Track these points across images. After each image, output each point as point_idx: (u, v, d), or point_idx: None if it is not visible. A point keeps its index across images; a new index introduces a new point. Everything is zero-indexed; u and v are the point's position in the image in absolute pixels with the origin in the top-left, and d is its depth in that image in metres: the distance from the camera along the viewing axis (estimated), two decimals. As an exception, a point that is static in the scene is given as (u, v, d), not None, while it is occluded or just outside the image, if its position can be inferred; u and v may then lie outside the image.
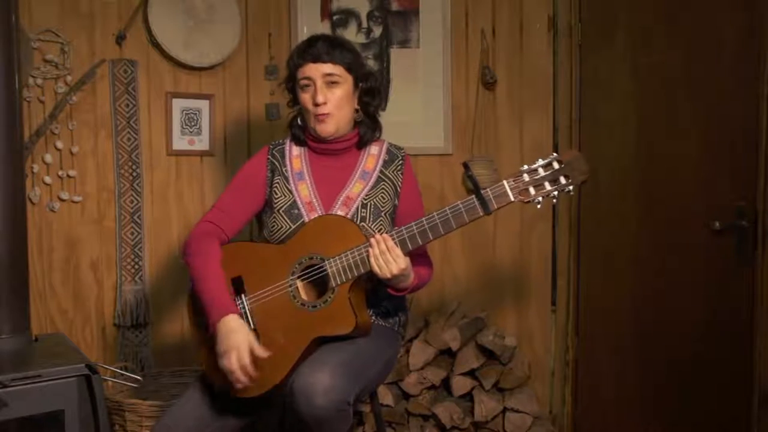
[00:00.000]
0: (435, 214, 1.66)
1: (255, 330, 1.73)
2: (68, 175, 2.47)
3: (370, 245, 1.65)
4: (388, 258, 1.64)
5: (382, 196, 1.85)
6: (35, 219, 2.42)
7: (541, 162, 1.62)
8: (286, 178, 1.87)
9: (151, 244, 2.61)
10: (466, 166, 1.69)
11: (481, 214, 1.63)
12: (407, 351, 2.58)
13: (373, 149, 1.91)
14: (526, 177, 1.62)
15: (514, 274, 2.84)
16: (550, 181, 1.62)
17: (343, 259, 1.68)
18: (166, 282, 2.63)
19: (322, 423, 1.55)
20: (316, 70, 1.80)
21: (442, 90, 2.77)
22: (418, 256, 1.81)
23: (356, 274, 1.67)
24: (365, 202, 1.83)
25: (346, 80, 1.83)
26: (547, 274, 2.84)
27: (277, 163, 1.89)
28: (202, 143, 2.67)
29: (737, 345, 1.90)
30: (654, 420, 2.27)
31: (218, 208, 1.87)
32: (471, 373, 2.57)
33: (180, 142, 2.64)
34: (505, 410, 2.54)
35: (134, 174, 2.57)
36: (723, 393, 1.97)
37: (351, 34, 2.75)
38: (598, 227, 2.63)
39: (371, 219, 1.81)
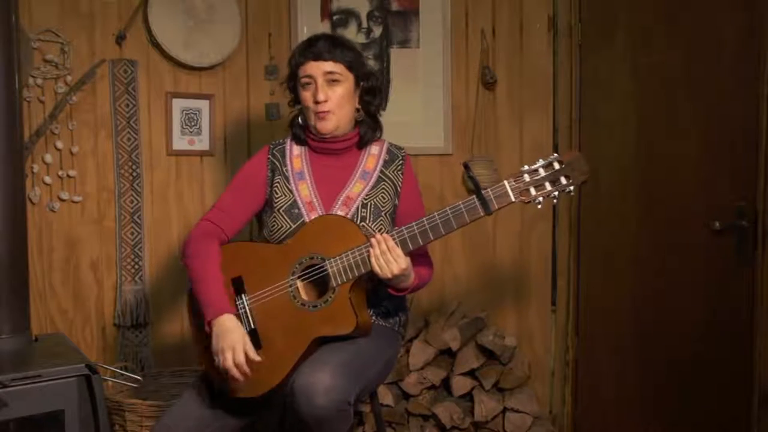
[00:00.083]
0: (436, 214, 1.66)
1: (255, 330, 1.73)
2: (68, 175, 2.47)
3: (371, 245, 1.65)
4: (389, 258, 1.64)
5: (382, 196, 1.85)
6: (35, 219, 2.42)
7: (541, 162, 1.62)
8: (287, 178, 1.87)
9: (151, 244, 2.61)
10: (466, 166, 1.70)
11: (482, 214, 1.63)
12: (407, 351, 2.58)
13: (374, 149, 1.91)
14: (526, 177, 1.62)
15: (514, 274, 2.84)
16: (550, 182, 1.62)
17: (344, 259, 1.68)
18: (166, 282, 2.62)
19: (322, 423, 1.55)
20: (317, 68, 1.81)
21: (442, 90, 2.77)
22: (418, 256, 1.81)
23: (357, 274, 1.67)
24: (365, 202, 1.83)
25: (347, 78, 1.83)
26: (547, 274, 2.84)
27: (277, 163, 1.89)
28: (202, 143, 2.67)
29: (737, 345, 1.90)
30: (654, 420, 2.27)
31: (218, 208, 1.87)
32: (471, 373, 2.57)
33: (180, 142, 2.64)
34: (505, 410, 2.54)
35: (134, 174, 2.57)
36: (723, 393, 1.97)
37: (351, 34, 2.75)
38: (598, 227, 2.63)
39: (371, 219, 1.81)
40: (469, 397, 2.57)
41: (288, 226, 1.80)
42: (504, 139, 2.81)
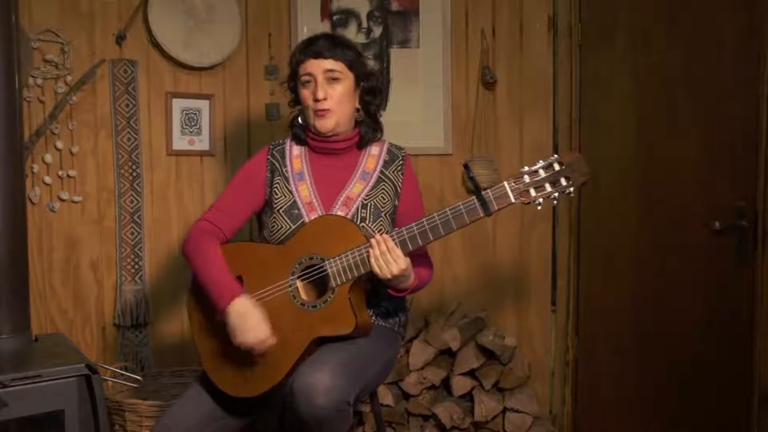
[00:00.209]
0: (435, 214, 1.66)
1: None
2: (68, 175, 2.47)
3: (371, 246, 1.65)
4: (389, 258, 1.64)
5: (382, 197, 1.85)
6: (35, 219, 2.42)
7: (541, 163, 1.62)
8: (286, 179, 1.87)
9: (151, 244, 2.61)
10: (466, 167, 1.70)
11: (482, 215, 1.63)
12: (407, 351, 2.58)
13: (374, 149, 1.91)
14: (526, 178, 1.62)
15: (514, 275, 2.84)
16: (550, 183, 1.61)
17: (344, 259, 1.68)
18: (166, 282, 2.63)
19: (322, 423, 1.55)
20: (317, 66, 1.81)
21: (442, 90, 2.77)
22: (418, 257, 1.81)
23: (356, 275, 1.67)
24: (365, 202, 1.83)
25: (347, 77, 1.83)
26: (547, 274, 2.84)
27: (277, 164, 1.89)
28: (202, 143, 2.67)
29: (737, 345, 1.90)
30: (654, 420, 2.27)
31: (216, 208, 1.87)
32: (471, 373, 2.57)
33: (180, 142, 2.64)
34: (505, 410, 2.54)
35: (134, 174, 2.57)
36: (723, 393, 1.97)
37: (351, 34, 2.75)
38: (598, 227, 2.63)
39: (371, 219, 1.81)
40: (469, 397, 2.57)
41: (288, 227, 1.80)
42: (504, 139, 2.81)
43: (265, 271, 1.75)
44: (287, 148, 1.92)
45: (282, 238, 1.81)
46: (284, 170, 1.88)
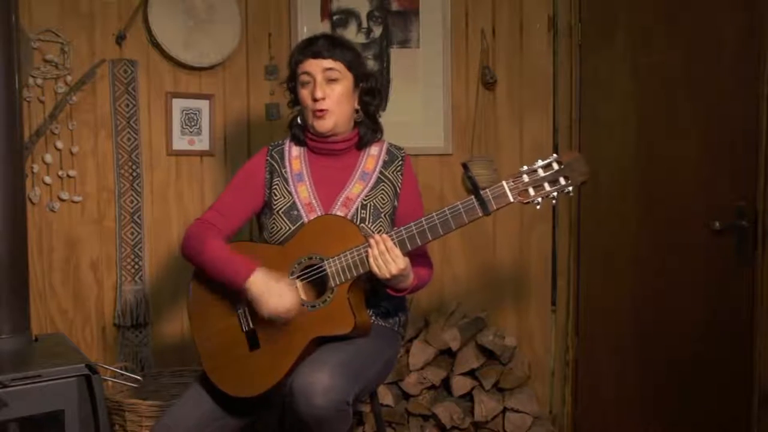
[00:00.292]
0: (434, 214, 1.65)
1: (254, 329, 1.74)
2: (68, 175, 2.47)
3: (370, 245, 1.65)
4: (388, 258, 1.64)
5: (381, 197, 1.85)
6: (35, 219, 2.42)
7: (540, 163, 1.62)
8: (286, 180, 1.87)
9: (151, 244, 2.61)
10: (465, 166, 1.69)
11: (480, 214, 1.63)
12: (407, 351, 2.58)
13: (373, 150, 1.91)
14: (525, 178, 1.62)
15: (514, 274, 2.83)
16: (549, 182, 1.61)
17: (342, 259, 1.68)
18: (166, 282, 2.63)
19: (321, 423, 1.55)
20: (316, 66, 1.80)
21: (442, 90, 2.77)
22: (418, 257, 1.81)
23: (355, 275, 1.67)
24: (365, 203, 1.83)
25: (346, 77, 1.83)
26: (547, 274, 2.84)
27: (276, 165, 1.89)
28: (202, 143, 2.67)
29: (737, 345, 1.90)
30: (654, 420, 2.27)
31: (215, 209, 1.86)
32: (471, 373, 2.57)
33: (180, 142, 2.64)
34: (505, 410, 2.54)
35: (134, 174, 2.57)
36: (723, 393, 1.97)
37: (351, 34, 2.75)
38: (598, 227, 2.63)
39: (371, 220, 1.81)
40: (469, 397, 2.57)
41: (287, 228, 1.80)
42: (504, 139, 2.81)
43: (264, 271, 1.75)
44: (286, 148, 1.92)
45: (281, 239, 1.81)
46: (283, 171, 1.88)
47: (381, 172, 1.87)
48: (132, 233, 2.57)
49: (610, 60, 2.51)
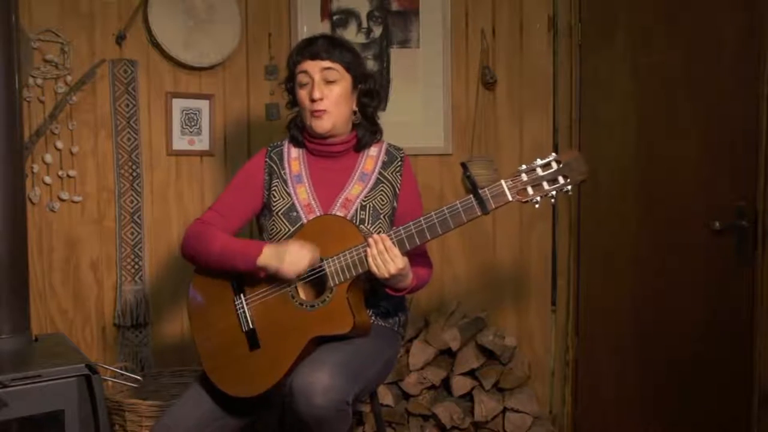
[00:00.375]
0: (433, 214, 1.65)
1: (253, 329, 1.74)
2: (68, 175, 2.47)
3: (368, 245, 1.65)
4: (386, 258, 1.64)
5: (381, 198, 1.85)
6: (35, 219, 2.42)
7: (539, 162, 1.62)
8: (285, 181, 1.86)
9: (151, 244, 2.61)
10: (464, 166, 1.69)
11: (479, 213, 1.63)
12: (407, 351, 2.58)
13: (372, 150, 1.91)
14: (524, 177, 1.61)
15: (514, 274, 2.83)
16: (548, 181, 1.61)
17: (342, 258, 1.68)
18: (166, 282, 2.63)
19: (321, 423, 1.55)
20: (314, 66, 1.80)
21: (442, 90, 2.77)
22: (417, 257, 1.81)
23: (354, 274, 1.67)
24: (364, 203, 1.83)
25: (344, 78, 1.82)
26: (547, 274, 2.83)
27: (275, 166, 1.89)
28: (202, 143, 2.67)
29: (737, 345, 1.90)
30: (654, 420, 2.27)
31: (215, 209, 1.86)
32: (471, 373, 2.57)
33: (180, 142, 2.64)
34: (505, 410, 2.54)
35: (134, 174, 2.57)
36: (723, 393, 1.97)
37: (351, 34, 2.75)
38: (598, 227, 2.62)
39: (370, 221, 1.81)
40: (469, 397, 2.57)
41: (287, 230, 1.80)
42: (504, 139, 2.81)
43: (264, 271, 1.75)
44: (285, 150, 1.92)
45: (281, 240, 1.80)
46: (282, 173, 1.88)
47: (380, 173, 1.87)
48: (132, 233, 2.57)
49: (610, 60, 2.51)
